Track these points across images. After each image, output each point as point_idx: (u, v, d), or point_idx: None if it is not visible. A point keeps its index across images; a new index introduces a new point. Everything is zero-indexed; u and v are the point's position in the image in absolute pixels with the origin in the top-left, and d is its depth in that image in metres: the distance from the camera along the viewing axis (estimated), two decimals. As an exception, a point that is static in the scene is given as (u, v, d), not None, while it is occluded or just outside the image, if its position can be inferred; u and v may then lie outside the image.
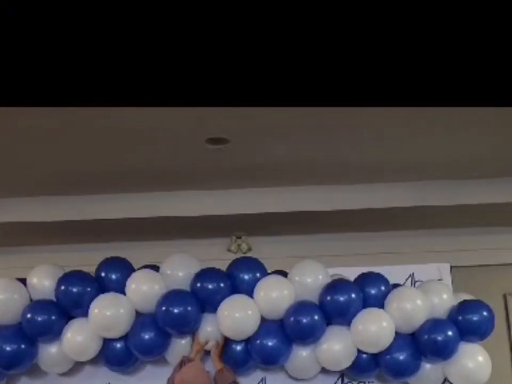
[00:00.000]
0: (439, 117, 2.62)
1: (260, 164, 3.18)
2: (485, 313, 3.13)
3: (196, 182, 3.39)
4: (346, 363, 3.10)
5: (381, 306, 3.15)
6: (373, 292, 3.17)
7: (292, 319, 3.06)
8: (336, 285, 3.15)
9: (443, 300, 3.20)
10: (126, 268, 3.20)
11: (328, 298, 3.09)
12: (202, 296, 3.11)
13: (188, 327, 3.09)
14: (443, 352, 3.06)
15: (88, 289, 3.10)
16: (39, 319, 3.03)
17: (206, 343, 3.11)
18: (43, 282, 3.11)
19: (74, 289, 3.08)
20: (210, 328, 3.12)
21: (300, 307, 3.10)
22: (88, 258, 3.59)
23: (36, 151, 2.92)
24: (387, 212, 3.52)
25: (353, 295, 3.09)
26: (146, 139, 2.82)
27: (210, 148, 2.92)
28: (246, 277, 3.19)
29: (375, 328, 3.04)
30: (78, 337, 3.06)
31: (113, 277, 3.17)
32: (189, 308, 3.06)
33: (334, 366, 3.14)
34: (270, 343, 3.07)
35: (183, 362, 3.05)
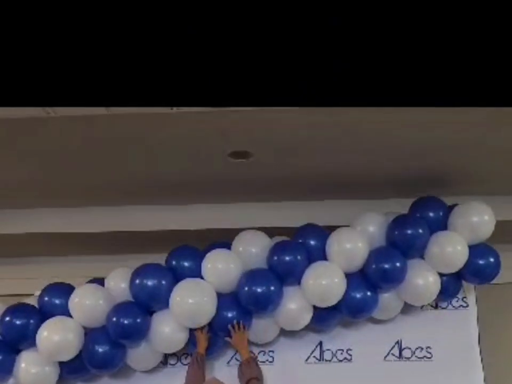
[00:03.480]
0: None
1: (283, 178, 3.12)
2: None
3: (216, 195, 3.32)
4: (434, 295, 3.13)
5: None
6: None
7: (374, 266, 3.05)
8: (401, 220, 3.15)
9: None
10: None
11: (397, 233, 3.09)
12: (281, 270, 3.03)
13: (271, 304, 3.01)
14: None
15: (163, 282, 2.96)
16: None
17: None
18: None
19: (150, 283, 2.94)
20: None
21: (380, 251, 3.10)
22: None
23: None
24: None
25: (420, 230, 3.09)
26: (168, 151, 2.76)
27: (233, 161, 2.86)
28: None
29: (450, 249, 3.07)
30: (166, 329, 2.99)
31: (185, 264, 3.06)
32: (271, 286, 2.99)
33: (420, 302, 3.20)
34: (358, 295, 3.05)
35: (196, 358, 2.95)
